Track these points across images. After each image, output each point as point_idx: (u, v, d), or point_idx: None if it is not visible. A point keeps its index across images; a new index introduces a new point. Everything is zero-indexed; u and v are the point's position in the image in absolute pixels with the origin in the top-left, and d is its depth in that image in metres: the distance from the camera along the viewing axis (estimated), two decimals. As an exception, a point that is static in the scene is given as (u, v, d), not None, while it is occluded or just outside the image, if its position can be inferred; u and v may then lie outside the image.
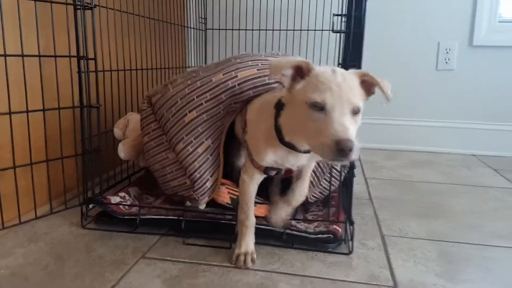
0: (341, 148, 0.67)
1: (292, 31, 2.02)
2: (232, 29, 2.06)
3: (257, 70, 1.05)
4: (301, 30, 2.03)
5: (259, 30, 2.02)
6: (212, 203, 1.12)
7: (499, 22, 2.00)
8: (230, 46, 2.11)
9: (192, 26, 2.06)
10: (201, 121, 1.07)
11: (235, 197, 1.08)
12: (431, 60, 2.07)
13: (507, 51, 2.00)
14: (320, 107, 0.71)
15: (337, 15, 0.90)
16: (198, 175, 1.08)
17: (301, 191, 1.01)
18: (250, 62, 1.08)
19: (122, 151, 1.21)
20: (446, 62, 2.06)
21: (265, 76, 1.04)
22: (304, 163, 0.92)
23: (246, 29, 2.04)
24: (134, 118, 1.26)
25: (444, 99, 2.09)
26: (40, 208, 1.15)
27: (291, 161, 0.89)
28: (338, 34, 0.90)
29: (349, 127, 0.69)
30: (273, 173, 0.93)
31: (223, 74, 1.07)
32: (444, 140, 2.10)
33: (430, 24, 2.04)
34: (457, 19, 2.02)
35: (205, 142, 1.08)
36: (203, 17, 2.12)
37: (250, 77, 1.05)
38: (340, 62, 0.94)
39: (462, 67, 2.05)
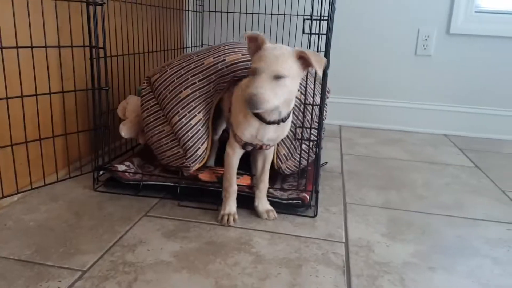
0: (249, 100, 0.93)
1: (283, 15, 2.18)
2: (228, 12, 2.22)
3: (242, 55, 1.24)
4: (291, 15, 2.18)
5: (252, 13, 2.18)
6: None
7: (475, 12, 2.16)
8: (225, 28, 2.26)
9: (189, 9, 2.21)
10: (195, 97, 1.25)
11: (220, 175, 1.29)
12: (410, 46, 2.24)
13: (481, 40, 2.17)
14: (254, 73, 0.96)
15: (307, 19, 1.07)
16: (191, 144, 1.26)
17: (265, 181, 1.19)
18: (236, 49, 1.26)
19: (123, 130, 1.41)
20: (425, 48, 2.23)
21: (248, 61, 1.22)
22: (272, 136, 1.10)
23: (240, 12, 2.19)
24: (132, 100, 1.44)
25: (421, 83, 2.27)
26: (59, 173, 1.36)
27: (262, 133, 1.08)
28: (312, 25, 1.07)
29: (262, 87, 0.94)
30: (249, 148, 1.13)
31: (213, 58, 1.25)
32: (418, 120, 2.30)
33: (411, 11, 2.19)
34: (436, 8, 2.17)
35: (197, 115, 1.26)
36: (200, -1, 2.27)
37: (236, 61, 1.23)
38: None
39: (439, 53, 2.22)
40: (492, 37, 2.15)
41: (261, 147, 1.13)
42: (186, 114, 1.26)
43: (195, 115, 1.26)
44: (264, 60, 0.96)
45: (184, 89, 1.25)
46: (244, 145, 1.12)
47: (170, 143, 1.30)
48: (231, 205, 1.16)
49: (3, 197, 1.16)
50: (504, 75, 2.19)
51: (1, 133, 1.14)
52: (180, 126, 1.26)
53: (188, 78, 1.26)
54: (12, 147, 1.16)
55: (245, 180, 1.28)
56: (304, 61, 1.00)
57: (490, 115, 2.24)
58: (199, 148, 1.27)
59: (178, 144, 1.28)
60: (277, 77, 0.95)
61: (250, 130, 1.08)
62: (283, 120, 1.07)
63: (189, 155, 1.27)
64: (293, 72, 0.98)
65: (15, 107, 1.17)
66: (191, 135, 1.26)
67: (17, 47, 1.13)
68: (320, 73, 1.00)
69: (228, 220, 1.13)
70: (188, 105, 1.25)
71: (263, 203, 1.18)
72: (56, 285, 0.84)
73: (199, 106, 1.26)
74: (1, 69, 1.11)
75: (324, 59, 1.00)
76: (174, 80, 1.27)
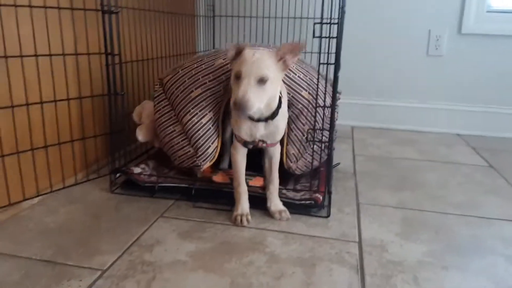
0: (237, 105, 0.97)
1: (294, 18, 2.20)
2: (238, 16, 2.24)
3: None
4: (301, 17, 2.20)
5: (263, 17, 2.20)
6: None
7: (487, 12, 2.15)
8: (236, 32, 2.29)
9: (201, 14, 2.25)
10: (205, 96, 1.28)
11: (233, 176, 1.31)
12: (422, 46, 2.23)
13: (493, 39, 2.15)
14: (238, 76, 1.00)
15: (317, 23, 1.09)
16: (202, 142, 1.29)
17: (274, 182, 1.21)
18: None
19: (139, 135, 1.44)
20: (436, 49, 2.22)
21: None
22: (264, 133, 1.13)
23: (251, 16, 2.22)
24: (148, 105, 1.48)
25: (433, 83, 2.27)
26: (77, 176, 1.40)
27: (254, 130, 1.12)
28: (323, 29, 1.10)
29: (248, 92, 0.97)
30: (250, 146, 1.16)
31: (223, 59, 1.28)
32: (431, 120, 2.29)
33: (422, 12, 2.19)
34: (447, 9, 2.17)
35: (208, 114, 1.28)
36: (211, 4, 2.30)
37: None
38: (320, 61, 1.14)
39: (451, 53, 2.21)
40: (504, 36, 2.13)
41: (258, 144, 1.16)
42: (197, 113, 1.28)
43: (206, 114, 1.28)
44: (246, 64, 0.99)
45: (195, 89, 1.28)
46: (245, 143, 1.16)
47: (181, 142, 1.32)
48: (243, 206, 1.18)
49: (24, 199, 1.20)
50: (518, 74, 2.17)
51: (22, 138, 1.18)
52: (191, 125, 1.28)
53: (199, 79, 1.28)
54: (33, 151, 1.20)
55: (258, 181, 1.30)
56: (284, 61, 1.04)
57: (504, 114, 2.22)
58: (210, 146, 1.30)
59: (189, 143, 1.31)
60: (261, 81, 0.99)
61: (244, 128, 1.12)
62: (271, 117, 1.11)
63: (199, 153, 1.30)
64: (274, 75, 1.02)
65: (35, 113, 1.21)
66: (202, 134, 1.28)
67: (36, 55, 1.17)
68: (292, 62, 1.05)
69: (241, 220, 1.15)
70: (199, 104, 1.28)
71: (275, 204, 1.20)
72: (78, 284, 0.87)
73: (209, 105, 1.28)
74: (21, 77, 1.15)
75: (302, 44, 1.03)
76: (185, 81, 1.30)
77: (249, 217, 1.16)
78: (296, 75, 1.28)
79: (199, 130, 1.28)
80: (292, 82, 1.27)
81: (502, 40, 2.14)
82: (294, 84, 1.28)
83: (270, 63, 1.01)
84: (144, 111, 1.47)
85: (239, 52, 1.04)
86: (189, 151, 1.31)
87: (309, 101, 1.28)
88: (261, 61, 1.00)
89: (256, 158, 1.26)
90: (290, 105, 1.26)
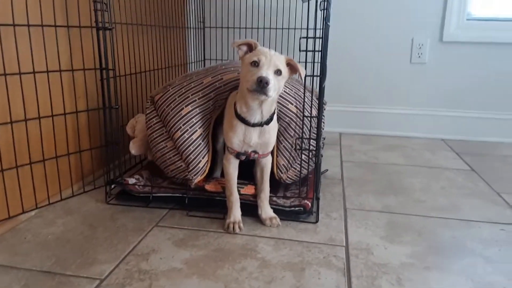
0: (260, 80, 1.02)
1: (281, 29, 2.26)
2: (228, 27, 2.30)
3: (237, 74, 1.32)
4: (288, 28, 2.26)
5: (252, 28, 2.26)
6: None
7: (467, 20, 2.23)
8: (226, 43, 2.35)
9: (191, 26, 2.30)
10: (195, 113, 1.34)
11: (225, 185, 1.35)
12: (405, 54, 2.31)
13: (473, 47, 2.24)
14: (256, 64, 1.06)
15: (303, 37, 1.15)
16: (193, 157, 1.34)
17: (265, 190, 1.26)
18: (232, 68, 1.35)
19: (133, 149, 1.49)
20: (419, 56, 2.30)
21: None
22: (257, 141, 1.18)
23: (240, 27, 2.28)
24: (141, 119, 1.52)
25: (417, 89, 2.34)
26: (73, 187, 1.43)
27: (248, 136, 1.17)
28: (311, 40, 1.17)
29: (269, 75, 1.04)
30: (242, 157, 1.21)
31: (211, 77, 1.34)
32: (415, 126, 2.37)
33: (405, 21, 2.27)
34: (429, 17, 2.25)
35: (198, 130, 1.34)
36: (201, 16, 2.36)
37: (232, 79, 1.32)
38: (307, 73, 1.19)
39: (433, 60, 2.29)
40: (483, 44, 2.22)
41: (250, 155, 1.21)
42: (187, 130, 1.33)
43: (196, 130, 1.34)
44: (265, 54, 1.07)
45: (185, 106, 1.33)
46: (237, 155, 1.21)
47: (173, 157, 1.37)
48: (235, 214, 1.23)
49: (23, 212, 1.24)
50: (496, 80, 2.26)
51: (20, 153, 1.21)
52: (182, 141, 1.34)
53: (188, 96, 1.34)
54: (31, 165, 1.24)
55: (249, 190, 1.35)
56: (290, 67, 1.12)
57: (485, 118, 2.31)
58: (201, 161, 1.35)
59: (180, 158, 1.36)
60: (277, 72, 1.07)
61: (238, 136, 1.17)
62: (267, 122, 1.16)
63: (191, 168, 1.35)
64: (284, 73, 1.10)
65: (33, 127, 1.25)
66: (192, 149, 1.34)
67: (34, 72, 1.21)
68: (303, 79, 1.15)
69: (234, 228, 1.19)
70: (189, 121, 1.33)
71: (266, 211, 1.25)
72: (77, 292, 0.91)
73: (199, 122, 1.34)
74: (20, 93, 1.19)
75: (302, 72, 1.13)
76: (175, 98, 1.35)
77: (241, 225, 1.21)
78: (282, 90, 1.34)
79: (189, 146, 1.33)
80: (279, 97, 1.33)
81: (482, 47, 2.23)
82: (281, 99, 1.33)
83: (283, 61, 1.10)
84: (137, 125, 1.51)
85: (250, 47, 1.13)
86: (181, 165, 1.36)
87: (296, 114, 1.34)
88: (277, 56, 1.09)
89: (248, 167, 1.32)
90: (278, 119, 1.32)
